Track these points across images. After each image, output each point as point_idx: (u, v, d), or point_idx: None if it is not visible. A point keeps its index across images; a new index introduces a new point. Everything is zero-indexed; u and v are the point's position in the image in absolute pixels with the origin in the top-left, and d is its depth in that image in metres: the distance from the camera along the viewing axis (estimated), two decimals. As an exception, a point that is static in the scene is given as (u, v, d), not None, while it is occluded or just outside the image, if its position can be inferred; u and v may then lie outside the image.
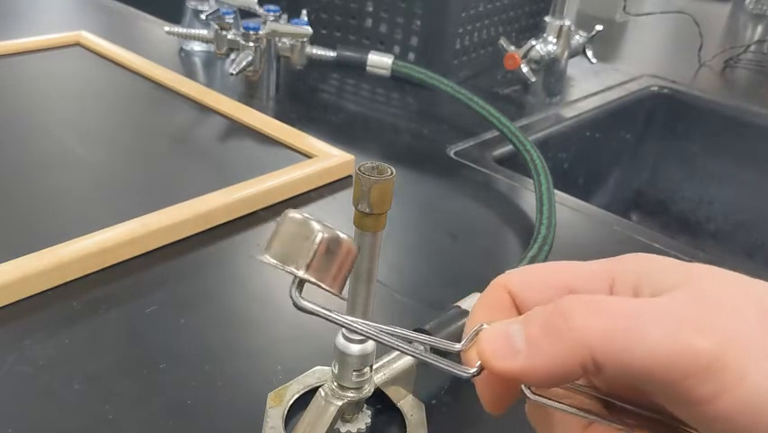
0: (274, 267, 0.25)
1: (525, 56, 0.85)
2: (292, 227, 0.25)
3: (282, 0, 0.83)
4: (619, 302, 0.21)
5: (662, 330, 0.20)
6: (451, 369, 0.24)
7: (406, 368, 0.36)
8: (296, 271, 0.24)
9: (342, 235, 0.25)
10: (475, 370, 0.23)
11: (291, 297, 0.24)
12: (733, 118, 0.94)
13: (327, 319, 0.24)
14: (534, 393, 0.23)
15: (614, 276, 0.24)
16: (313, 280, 0.24)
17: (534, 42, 0.86)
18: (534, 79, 0.86)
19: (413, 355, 0.24)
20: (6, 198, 0.53)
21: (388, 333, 0.24)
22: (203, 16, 0.82)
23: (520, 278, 0.25)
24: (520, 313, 0.25)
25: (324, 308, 0.24)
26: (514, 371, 0.22)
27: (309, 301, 0.24)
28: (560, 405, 0.23)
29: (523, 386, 0.23)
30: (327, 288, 0.24)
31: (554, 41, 0.88)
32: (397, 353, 0.36)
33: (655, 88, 0.97)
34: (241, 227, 0.52)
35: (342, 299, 0.25)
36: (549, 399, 0.24)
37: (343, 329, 0.32)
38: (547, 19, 0.88)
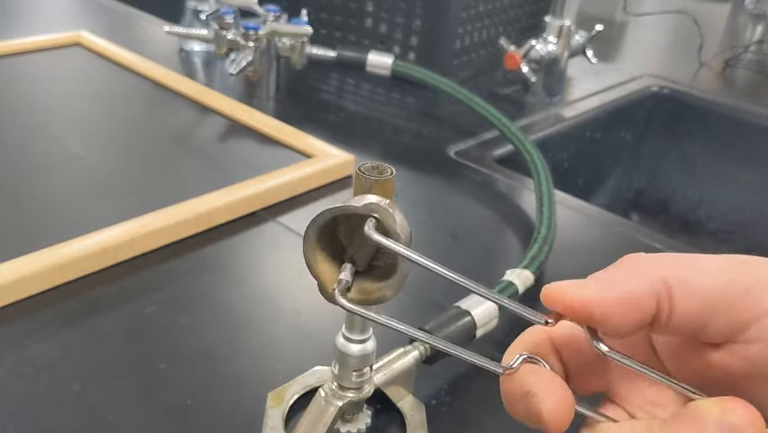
0: (341, 209, 0.24)
1: (525, 56, 0.85)
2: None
3: (282, 0, 0.83)
4: (676, 253, 0.23)
5: (719, 261, 0.22)
6: (528, 315, 0.23)
7: (406, 368, 0.36)
8: (376, 200, 0.24)
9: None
10: (552, 320, 0.23)
11: (366, 231, 0.24)
12: (733, 118, 0.94)
13: (400, 254, 0.24)
14: (609, 350, 0.23)
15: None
16: (390, 210, 0.24)
17: (534, 42, 0.86)
18: (534, 79, 0.86)
19: (495, 301, 0.24)
20: (6, 197, 0.53)
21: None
22: (203, 16, 0.82)
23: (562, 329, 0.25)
24: (559, 353, 0.25)
25: (395, 243, 0.24)
26: (583, 298, 0.22)
27: (384, 237, 0.24)
28: (634, 362, 0.23)
29: (594, 342, 0.22)
30: (397, 230, 0.24)
31: (554, 41, 0.88)
32: (397, 353, 0.36)
33: (655, 88, 0.97)
34: (241, 227, 0.52)
35: (408, 252, 0.24)
36: (623, 354, 0.23)
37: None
38: (547, 19, 0.88)
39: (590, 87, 0.92)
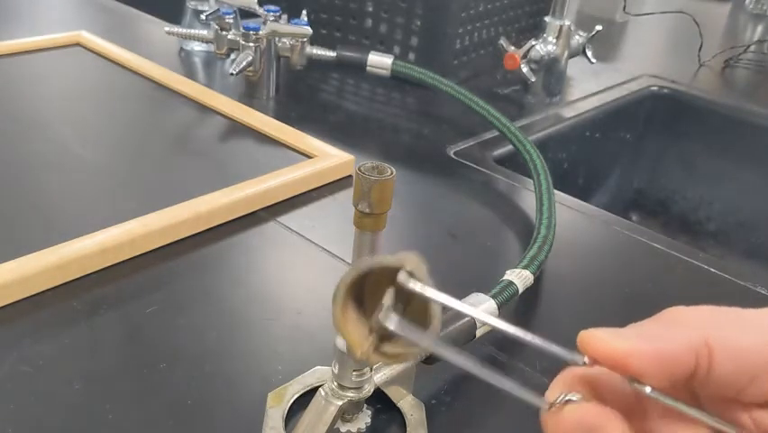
0: (371, 264, 0.25)
1: (525, 56, 0.85)
2: None
3: (282, 0, 0.83)
4: (718, 308, 0.23)
5: (763, 318, 0.22)
6: (566, 356, 0.23)
7: (405, 368, 0.36)
8: (404, 254, 0.25)
9: None
10: (586, 359, 0.22)
11: (400, 280, 0.24)
12: (733, 118, 0.94)
13: (438, 302, 0.24)
14: (652, 390, 0.22)
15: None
16: (421, 262, 0.25)
17: (534, 42, 0.86)
18: (534, 79, 0.86)
19: (538, 345, 0.23)
20: (6, 198, 0.53)
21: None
22: (203, 16, 0.82)
23: (591, 369, 0.25)
24: (599, 395, 0.24)
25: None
26: (622, 350, 0.21)
27: (420, 284, 0.24)
28: (681, 404, 0.22)
29: (635, 384, 0.22)
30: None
31: (554, 41, 0.88)
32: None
33: (655, 88, 0.97)
34: (241, 227, 0.52)
35: (450, 299, 0.24)
36: (667, 394, 0.22)
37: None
38: (547, 19, 0.88)
39: (590, 87, 0.92)
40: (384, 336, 0.26)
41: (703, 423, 0.23)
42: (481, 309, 0.39)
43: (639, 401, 0.24)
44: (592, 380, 0.24)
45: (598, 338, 0.22)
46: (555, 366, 0.25)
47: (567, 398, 0.23)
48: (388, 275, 0.25)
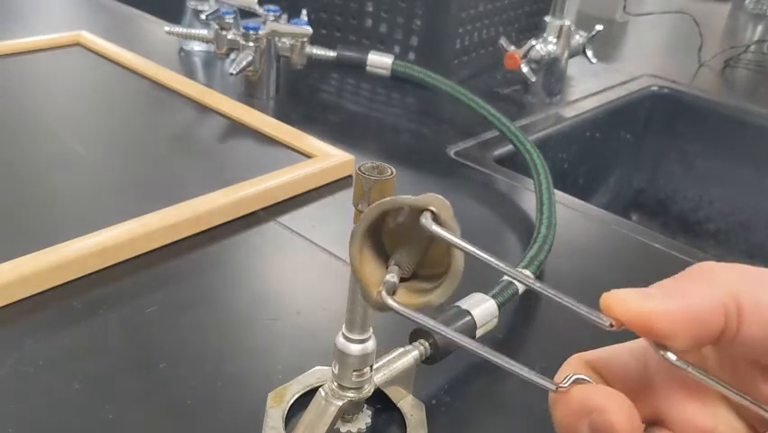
0: (394, 202, 0.24)
1: (525, 56, 0.85)
2: None
3: (282, 0, 0.83)
4: (749, 267, 0.21)
5: None
6: (593, 318, 0.22)
7: (406, 368, 0.36)
8: (430, 195, 0.24)
9: None
10: (615, 324, 0.22)
11: (423, 222, 0.23)
12: (733, 118, 0.94)
13: (461, 247, 0.23)
14: (678, 359, 0.21)
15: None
16: (447, 204, 0.24)
17: (534, 42, 0.86)
18: (534, 79, 0.86)
19: (570, 304, 0.23)
20: (6, 197, 0.53)
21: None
22: (203, 16, 0.82)
23: (596, 353, 0.25)
24: (604, 379, 0.24)
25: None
26: (647, 310, 0.20)
27: (443, 228, 0.23)
28: (704, 375, 0.21)
29: (660, 351, 0.21)
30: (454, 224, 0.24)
31: (554, 41, 0.88)
32: (397, 353, 0.36)
33: (655, 88, 0.97)
34: (241, 227, 0.52)
35: (470, 246, 0.23)
36: (694, 366, 0.21)
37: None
38: (547, 19, 0.88)
39: (590, 87, 0.92)
40: (402, 280, 0.25)
41: (715, 398, 0.22)
42: (481, 309, 0.39)
43: (645, 383, 0.23)
44: (598, 365, 0.24)
45: (622, 300, 0.21)
46: (555, 366, 0.25)
47: (575, 377, 0.23)
48: (409, 216, 0.24)
